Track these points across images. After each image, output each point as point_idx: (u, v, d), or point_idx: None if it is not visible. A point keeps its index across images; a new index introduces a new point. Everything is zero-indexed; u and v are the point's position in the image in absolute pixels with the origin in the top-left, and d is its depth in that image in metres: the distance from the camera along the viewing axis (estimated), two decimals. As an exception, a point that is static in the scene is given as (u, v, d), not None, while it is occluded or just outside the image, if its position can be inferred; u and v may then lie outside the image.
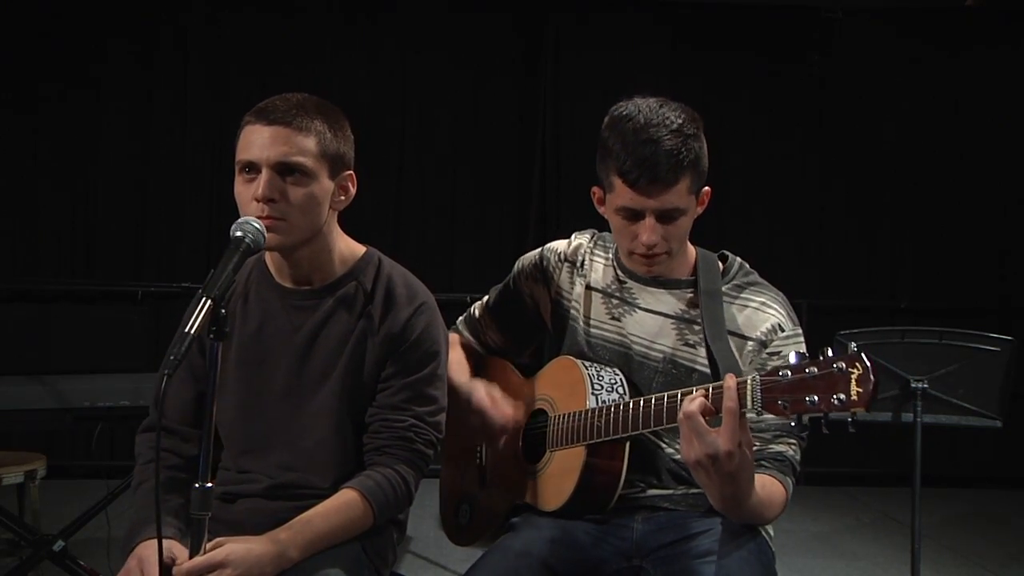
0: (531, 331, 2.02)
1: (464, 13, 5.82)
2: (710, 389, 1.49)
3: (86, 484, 4.17)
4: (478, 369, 2.06)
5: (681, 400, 1.51)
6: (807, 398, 1.34)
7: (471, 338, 2.09)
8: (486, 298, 2.08)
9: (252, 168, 1.62)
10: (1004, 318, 5.49)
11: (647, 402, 1.61)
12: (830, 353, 1.34)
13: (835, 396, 1.32)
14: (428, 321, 1.74)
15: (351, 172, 1.73)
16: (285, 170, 1.61)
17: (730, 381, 1.43)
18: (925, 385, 2.89)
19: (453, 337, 2.08)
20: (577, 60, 5.90)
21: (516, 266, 2.00)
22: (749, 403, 1.41)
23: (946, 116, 5.89)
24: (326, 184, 1.67)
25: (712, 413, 1.46)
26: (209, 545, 1.48)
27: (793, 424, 1.37)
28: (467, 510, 2.02)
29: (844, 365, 1.32)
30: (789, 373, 1.37)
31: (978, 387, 2.90)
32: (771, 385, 1.39)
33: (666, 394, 1.57)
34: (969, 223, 5.90)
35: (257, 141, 1.61)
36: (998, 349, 2.86)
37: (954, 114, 5.89)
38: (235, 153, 1.65)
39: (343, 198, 1.73)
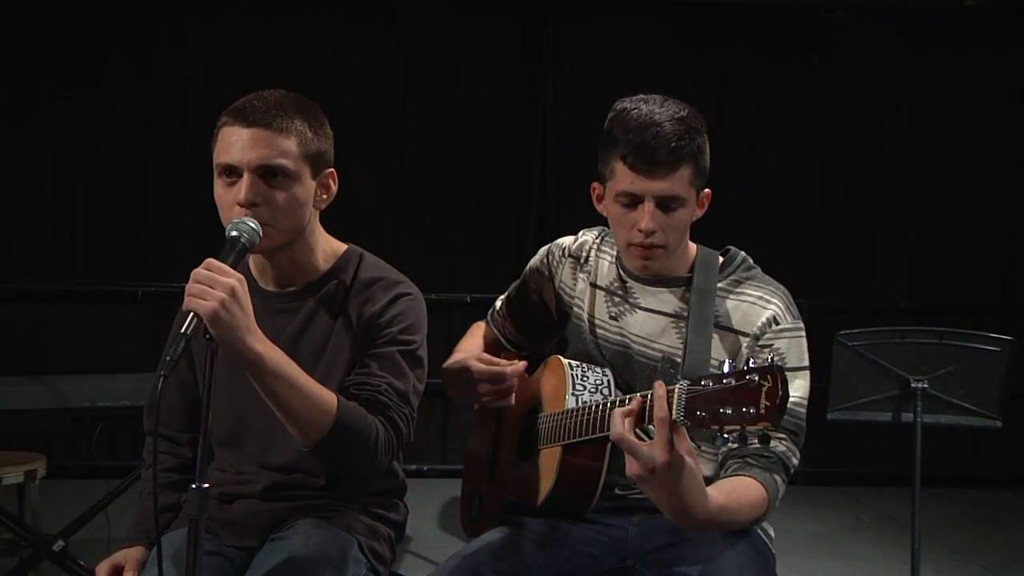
0: (542, 326, 2.01)
1: (464, 12, 5.82)
2: (648, 396, 1.43)
3: (86, 484, 4.18)
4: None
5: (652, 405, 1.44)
6: (722, 410, 1.29)
7: (495, 331, 2.10)
8: (507, 292, 2.09)
9: (232, 171, 1.59)
10: (1004, 318, 5.50)
11: (613, 405, 1.57)
12: (751, 364, 1.29)
13: (746, 408, 1.26)
14: (404, 308, 1.71)
15: (332, 170, 1.71)
16: (267, 173, 1.59)
17: (659, 390, 1.37)
18: (925, 385, 2.90)
19: (479, 327, 2.12)
20: (577, 59, 5.90)
21: (530, 262, 2.01)
22: (674, 412, 1.35)
23: (946, 116, 5.89)
24: (308, 184, 1.65)
25: (640, 421, 1.42)
26: None
27: (715, 439, 1.32)
28: (478, 503, 2.05)
29: (757, 377, 1.26)
30: (711, 383, 1.32)
31: (978, 387, 2.90)
32: (694, 394, 1.33)
33: (627, 396, 1.54)
34: (969, 223, 5.90)
35: (237, 144, 1.58)
36: (998, 349, 2.87)
37: (954, 114, 5.89)
38: (213, 155, 1.63)
39: (325, 197, 1.71)
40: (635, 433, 1.40)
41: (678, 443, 1.34)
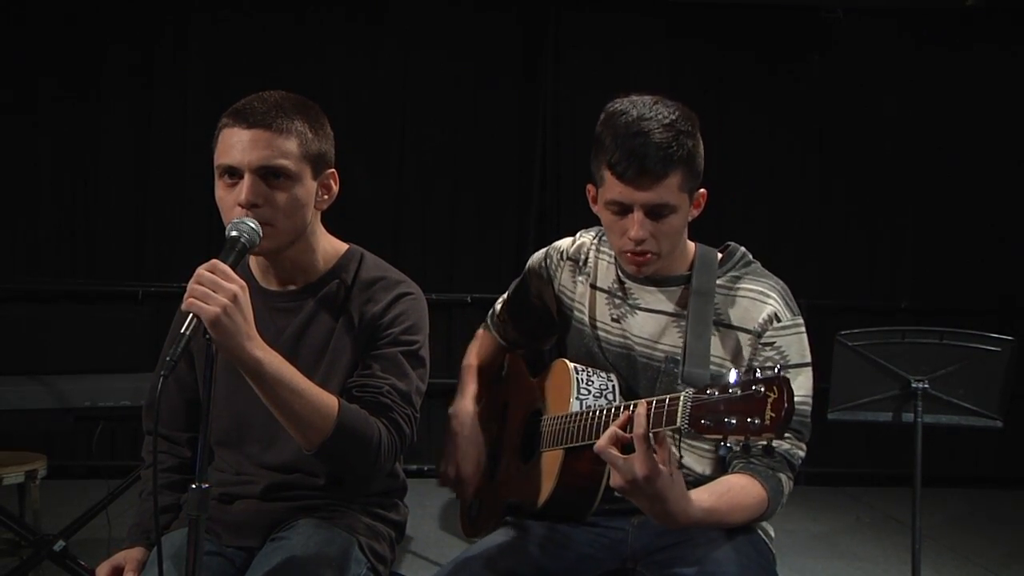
0: (542, 327, 2.02)
1: (465, 12, 5.82)
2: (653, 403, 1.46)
3: (86, 484, 4.18)
4: (491, 369, 2.09)
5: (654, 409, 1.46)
6: (726, 420, 1.29)
7: (495, 333, 2.11)
8: (506, 293, 2.09)
9: (233, 173, 1.59)
10: (1004, 318, 5.49)
11: (616, 411, 1.57)
12: (758, 374, 1.29)
13: (751, 419, 1.26)
14: (406, 307, 1.71)
15: (333, 170, 1.71)
16: (268, 174, 1.59)
17: (640, 408, 1.41)
18: (925, 385, 2.90)
19: (481, 333, 2.13)
20: (578, 59, 5.89)
21: (527, 263, 2.01)
22: (679, 420, 1.37)
23: (946, 116, 5.89)
24: (309, 185, 1.65)
25: (626, 441, 1.43)
26: None
27: (719, 449, 1.35)
28: (477, 504, 2.04)
29: (763, 388, 1.26)
30: (716, 392, 1.32)
31: (978, 387, 2.90)
32: (700, 403, 1.34)
33: (632, 402, 1.54)
34: (969, 223, 5.89)
35: (237, 145, 1.58)
36: (998, 349, 2.87)
37: (954, 114, 5.88)
38: (214, 156, 1.63)
39: (326, 197, 1.71)
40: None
41: (658, 456, 1.39)
